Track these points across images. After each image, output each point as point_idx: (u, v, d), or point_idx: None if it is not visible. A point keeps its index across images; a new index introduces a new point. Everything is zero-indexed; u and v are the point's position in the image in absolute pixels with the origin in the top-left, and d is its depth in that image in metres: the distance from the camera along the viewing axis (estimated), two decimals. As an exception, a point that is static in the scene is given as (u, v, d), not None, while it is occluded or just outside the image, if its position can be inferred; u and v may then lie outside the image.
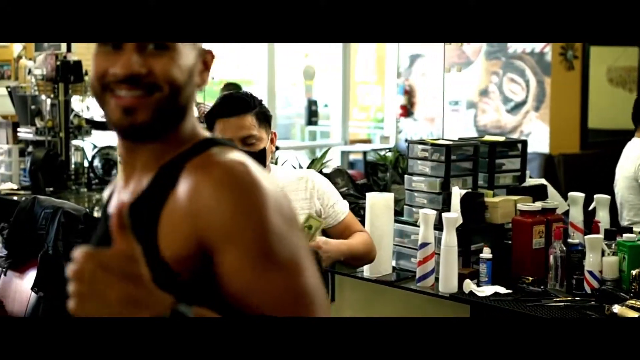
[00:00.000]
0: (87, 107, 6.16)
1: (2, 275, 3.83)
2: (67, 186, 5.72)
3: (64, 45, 6.06)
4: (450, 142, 3.59)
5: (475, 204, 3.41)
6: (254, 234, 1.25)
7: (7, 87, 6.41)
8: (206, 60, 1.45)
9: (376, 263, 3.36)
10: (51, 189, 5.52)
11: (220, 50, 7.14)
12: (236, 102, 2.99)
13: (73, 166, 5.85)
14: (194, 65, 1.41)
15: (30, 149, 5.91)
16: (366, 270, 3.44)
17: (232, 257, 1.25)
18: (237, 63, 8.92)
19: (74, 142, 5.95)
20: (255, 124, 2.96)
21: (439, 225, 3.27)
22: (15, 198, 5.51)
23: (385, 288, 3.61)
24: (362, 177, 4.83)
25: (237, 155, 1.34)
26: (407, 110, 8.57)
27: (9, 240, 3.86)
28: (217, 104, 3.04)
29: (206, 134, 1.44)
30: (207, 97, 5.35)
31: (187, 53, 1.39)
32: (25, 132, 5.96)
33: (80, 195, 5.51)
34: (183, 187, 1.30)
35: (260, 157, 3.00)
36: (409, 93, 8.56)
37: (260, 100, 3.06)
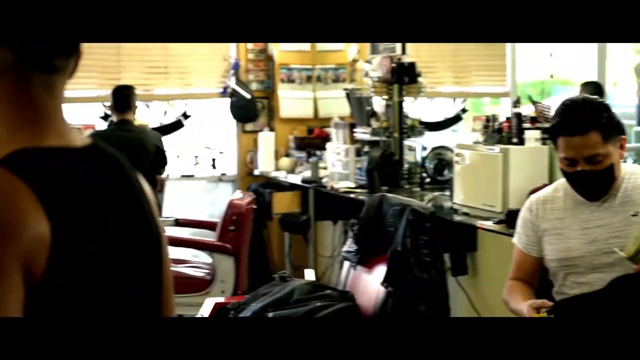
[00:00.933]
0: (417, 109, 6.29)
1: (352, 270, 3.99)
2: (401, 185, 5.84)
3: (398, 48, 6.21)
4: None
5: None
6: None
7: (344, 89, 6.70)
8: None
9: None
10: (385, 187, 5.65)
11: (555, 50, 6.94)
12: (578, 119, 2.79)
13: (406, 166, 5.97)
14: None
15: (366, 148, 6.12)
16: None
17: None
18: (569, 62, 8.67)
19: (407, 142, 6.07)
20: (600, 140, 2.77)
21: None
22: (352, 196, 5.73)
23: None
24: None
25: None
26: None
27: (358, 236, 4.01)
28: (559, 119, 2.85)
29: (20, 143, 1.28)
30: (544, 96, 5.24)
31: None
32: (361, 133, 6.20)
33: (414, 194, 5.58)
34: None
35: (608, 174, 2.84)
36: None
37: (607, 107, 2.84)
